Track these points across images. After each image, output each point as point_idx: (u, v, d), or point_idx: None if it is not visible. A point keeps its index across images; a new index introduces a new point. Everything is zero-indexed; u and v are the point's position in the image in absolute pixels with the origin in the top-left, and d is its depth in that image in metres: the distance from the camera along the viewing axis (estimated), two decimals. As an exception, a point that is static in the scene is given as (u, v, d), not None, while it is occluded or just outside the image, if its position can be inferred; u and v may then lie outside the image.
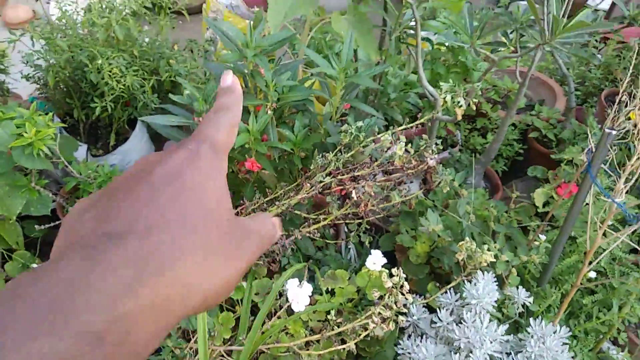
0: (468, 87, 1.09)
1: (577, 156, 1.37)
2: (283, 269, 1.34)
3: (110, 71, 1.58)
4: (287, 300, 1.08)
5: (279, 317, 1.13)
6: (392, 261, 1.53)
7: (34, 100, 2.25)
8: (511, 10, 1.50)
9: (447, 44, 1.81)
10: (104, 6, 1.76)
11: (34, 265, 1.59)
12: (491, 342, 0.87)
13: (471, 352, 0.86)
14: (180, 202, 0.26)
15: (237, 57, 1.25)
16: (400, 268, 0.96)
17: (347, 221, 1.22)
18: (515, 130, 2.01)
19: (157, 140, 2.19)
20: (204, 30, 2.09)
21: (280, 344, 1.09)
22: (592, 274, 1.12)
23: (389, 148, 1.08)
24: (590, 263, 1.10)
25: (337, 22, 1.43)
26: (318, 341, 1.09)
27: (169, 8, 1.89)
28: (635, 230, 1.38)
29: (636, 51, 1.39)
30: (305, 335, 1.10)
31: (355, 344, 1.04)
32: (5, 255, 1.55)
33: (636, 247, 1.09)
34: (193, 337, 1.18)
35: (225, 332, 1.15)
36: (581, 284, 1.06)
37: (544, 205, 1.45)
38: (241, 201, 1.24)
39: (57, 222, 1.69)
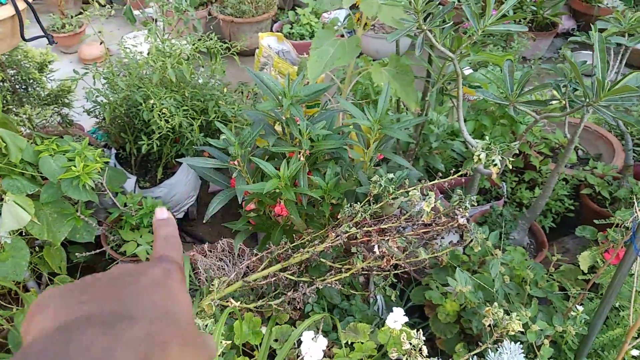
0: (503, 147, 1.05)
1: (628, 219, 1.28)
2: (306, 315, 1.32)
3: (160, 110, 1.67)
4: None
5: (295, 368, 1.10)
6: (422, 316, 1.47)
7: (96, 131, 2.41)
8: (560, 65, 1.45)
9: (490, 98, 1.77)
10: (162, 50, 1.87)
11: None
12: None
13: None
14: (169, 302, 0.32)
15: (274, 106, 1.28)
16: (419, 330, 0.92)
17: (375, 272, 1.19)
18: (567, 186, 1.91)
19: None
20: (255, 73, 2.17)
21: (294, 397, 1.07)
22: (635, 352, 1.02)
23: (416, 204, 1.05)
24: (635, 338, 1.01)
25: (377, 74, 1.44)
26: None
27: (225, 51, 1.98)
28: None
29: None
30: (321, 391, 1.07)
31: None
32: (49, 278, 1.63)
33: None
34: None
35: (241, 378, 1.14)
36: (623, 363, 0.97)
37: (590, 271, 1.35)
38: (267, 245, 1.25)
39: (100, 249, 1.77)
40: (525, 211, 1.76)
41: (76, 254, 1.59)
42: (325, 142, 1.26)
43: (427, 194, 1.04)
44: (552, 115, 1.20)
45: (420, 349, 0.93)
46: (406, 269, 1.18)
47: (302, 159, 1.24)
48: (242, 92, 2.12)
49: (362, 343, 1.12)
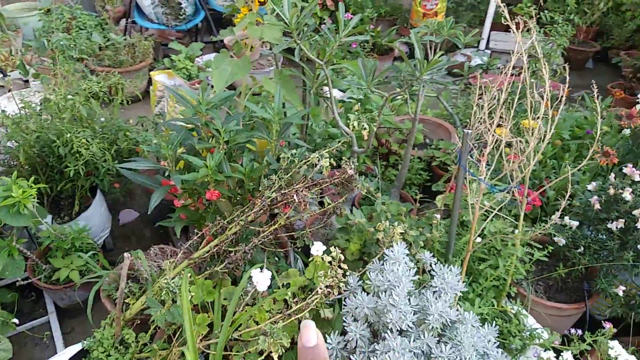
0: (369, 115, 1.49)
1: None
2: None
3: (79, 142, 1.86)
4: (251, 294, 1.35)
5: (246, 308, 1.38)
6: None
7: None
8: (397, 65, 1.98)
9: (355, 96, 2.27)
10: (56, 98, 2.05)
11: (14, 323, 1.74)
12: (407, 281, 1.19)
13: (393, 291, 1.17)
14: None
15: (192, 112, 1.59)
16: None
17: (292, 233, 1.54)
18: (422, 162, 2.46)
19: (113, 209, 2.43)
20: (153, 107, 2.43)
21: (249, 329, 1.35)
22: (478, 239, 1.50)
23: (316, 164, 1.43)
24: (477, 235, 1.48)
25: (268, 84, 1.83)
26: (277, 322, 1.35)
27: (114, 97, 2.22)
28: (511, 211, 1.80)
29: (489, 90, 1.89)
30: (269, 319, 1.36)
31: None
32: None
33: (514, 221, 1.48)
34: (176, 340, 1.40)
35: (202, 329, 1.39)
36: (472, 249, 1.43)
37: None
38: (202, 228, 1.53)
39: (28, 281, 1.86)
40: (394, 184, 2.25)
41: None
42: (238, 136, 1.60)
43: (323, 155, 1.43)
44: (397, 93, 1.67)
45: (339, 259, 1.29)
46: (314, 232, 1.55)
47: (222, 150, 1.56)
48: (142, 124, 2.36)
49: (294, 280, 1.44)
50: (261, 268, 1.33)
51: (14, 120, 1.95)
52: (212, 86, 1.67)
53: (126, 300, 1.55)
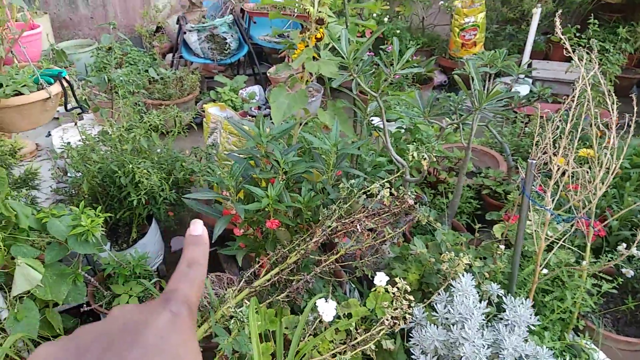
0: (428, 146, 1.50)
1: (516, 194, 1.78)
2: (301, 310, 1.61)
3: (140, 172, 1.93)
4: (315, 322, 1.35)
5: (309, 338, 1.38)
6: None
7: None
8: (450, 96, 1.99)
9: (404, 127, 2.29)
10: (114, 131, 2.14)
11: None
12: (479, 314, 1.17)
13: (464, 323, 1.15)
14: None
15: (253, 144, 1.64)
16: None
17: (348, 262, 1.54)
18: (471, 191, 2.43)
19: (165, 236, 2.49)
20: (206, 138, 2.50)
21: (313, 359, 1.34)
22: (545, 271, 1.46)
23: (378, 194, 1.45)
24: (542, 267, 1.45)
25: (323, 115, 1.87)
26: (343, 353, 1.34)
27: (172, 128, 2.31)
28: (573, 242, 1.76)
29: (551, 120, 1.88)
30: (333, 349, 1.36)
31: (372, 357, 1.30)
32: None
33: (580, 252, 1.45)
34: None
35: (266, 358, 1.39)
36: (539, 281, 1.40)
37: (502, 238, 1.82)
38: (260, 257, 1.55)
39: (88, 308, 1.91)
40: (446, 212, 2.23)
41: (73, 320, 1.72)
42: (297, 166, 1.63)
43: (384, 186, 1.44)
44: (453, 122, 1.68)
45: (405, 290, 1.29)
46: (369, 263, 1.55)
47: (281, 181, 1.59)
48: (195, 155, 2.43)
49: (356, 311, 1.44)
50: (325, 298, 1.33)
51: (78, 152, 2.04)
52: (270, 118, 1.72)
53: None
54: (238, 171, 1.59)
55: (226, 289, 1.79)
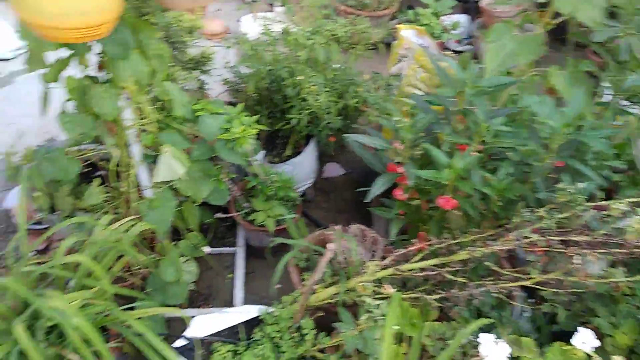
0: None
1: None
2: (448, 317, 1.26)
3: (308, 89, 1.66)
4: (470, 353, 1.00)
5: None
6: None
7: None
8: None
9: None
10: (297, 32, 1.85)
11: (203, 249, 1.69)
12: None
13: None
14: None
15: (451, 92, 1.23)
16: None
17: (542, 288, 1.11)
18: None
19: (320, 160, 2.26)
20: (390, 65, 2.13)
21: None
22: None
23: (618, 218, 0.97)
24: None
25: (555, 77, 1.36)
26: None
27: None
28: None
29: None
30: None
31: None
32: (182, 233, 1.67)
33: None
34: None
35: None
36: None
37: None
38: (418, 235, 1.21)
39: (227, 215, 1.81)
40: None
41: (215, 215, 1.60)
42: (502, 138, 1.20)
43: (636, 210, 0.95)
44: None
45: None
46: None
47: (476, 153, 1.19)
48: (374, 82, 2.08)
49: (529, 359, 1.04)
50: (495, 333, 0.96)
51: (252, 47, 1.83)
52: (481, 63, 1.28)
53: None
54: (421, 123, 1.22)
55: (369, 251, 1.51)
